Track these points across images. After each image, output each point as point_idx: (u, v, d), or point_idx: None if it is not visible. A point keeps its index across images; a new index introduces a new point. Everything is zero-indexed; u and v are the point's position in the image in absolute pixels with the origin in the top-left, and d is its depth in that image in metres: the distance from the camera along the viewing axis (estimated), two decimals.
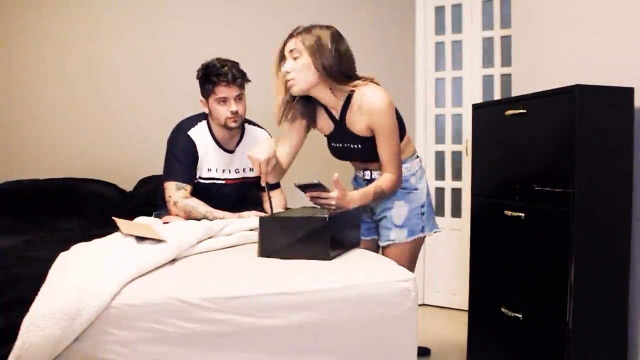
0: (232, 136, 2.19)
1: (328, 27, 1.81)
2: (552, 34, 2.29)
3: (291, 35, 1.81)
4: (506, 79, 3.04)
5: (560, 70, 2.21)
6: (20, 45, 3.03)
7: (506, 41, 3.01)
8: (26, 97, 3.05)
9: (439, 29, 3.38)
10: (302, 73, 1.76)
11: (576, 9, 2.14)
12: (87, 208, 2.72)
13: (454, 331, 2.88)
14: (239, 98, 2.10)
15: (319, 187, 1.64)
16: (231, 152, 2.19)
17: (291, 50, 1.77)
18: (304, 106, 1.91)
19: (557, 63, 2.24)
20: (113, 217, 1.76)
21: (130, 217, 1.94)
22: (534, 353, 1.85)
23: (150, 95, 3.13)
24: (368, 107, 1.77)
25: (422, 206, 1.95)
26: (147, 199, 2.58)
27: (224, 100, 2.06)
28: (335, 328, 1.30)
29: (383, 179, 1.83)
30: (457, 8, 3.30)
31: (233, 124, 2.09)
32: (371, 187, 1.82)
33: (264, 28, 3.24)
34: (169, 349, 1.21)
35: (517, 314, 1.92)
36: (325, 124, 1.94)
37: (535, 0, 2.41)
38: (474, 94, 3.22)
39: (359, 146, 1.87)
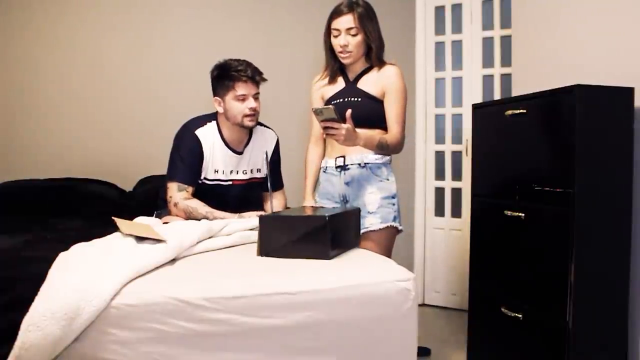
0: (242, 138, 2.15)
1: (366, 2, 2.05)
2: (552, 34, 2.29)
3: (339, 12, 2.02)
4: (506, 79, 3.04)
5: (560, 70, 2.21)
6: (20, 46, 3.03)
7: (506, 41, 3.01)
8: (26, 97, 3.05)
9: (439, 29, 3.38)
10: (357, 49, 2.03)
11: (576, 9, 2.14)
12: (87, 208, 2.72)
13: (454, 331, 2.88)
14: (256, 97, 2.08)
15: (333, 114, 1.76)
16: (240, 153, 2.16)
17: (349, 28, 2.00)
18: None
19: (557, 63, 2.24)
20: (113, 217, 1.76)
21: (130, 217, 1.93)
22: (534, 353, 1.85)
23: (150, 95, 3.13)
24: (386, 74, 2.05)
25: (393, 197, 2.05)
26: (147, 199, 2.58)
27: (242, 98, 2.04)
28: (335, 328, 1.30)
29: (388, 135, 2.02)
30: (457, 8, 3.30)
31: (250, 123, 2.07)
32: (377, 135, 1.99)
33: (263, 30, 3.25)
34: (169, 349, 1.21)
35: (517, 314, 1.92)
36: (336, 84, 2.14)
37: (535, 0, 2.41)
38: (474, 94, 3.22)
39: (359, 99, 2.05)
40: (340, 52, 2.04)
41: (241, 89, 2.03)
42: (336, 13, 2.02)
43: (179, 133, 2.13)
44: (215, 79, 2.09)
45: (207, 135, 2.10)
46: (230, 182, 2.17)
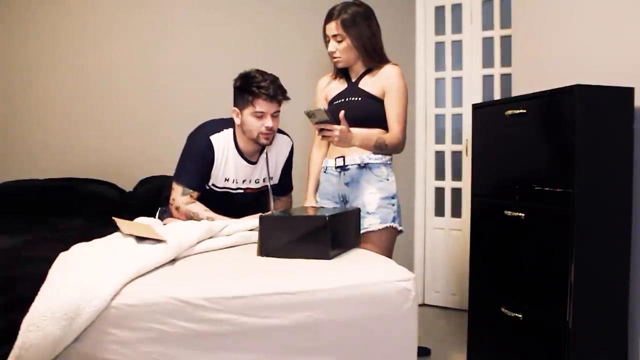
0: (257, 149, 2.12)
1: (360, 5, 2.04)
2: (552, 34, 2.29)
3: (327, 19, 2.04)
4: (506, 79, 3.04)
5: (560, 70, 2.21)
6: (21, 46, 3.03)
7: (506, 41, 3.01)
8: (26, 97, 3.05)
9: (439, 29, 3.38)
10: (345, 54, 2.05)
11: (576, 9, 2.14)
12: (87, 208, 2.72)
13: (454, 331, 2.88)
14: (275, 115, 2.03)
15: (325, 115, 1.75)
16: (254, 163, 2.13)
17: (334, 35, 2.02)
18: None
19: (557, 63, 2.24)
20: (113, 217, 1.76)
21: (130, 217, 1.94)
22: (534, 353, 1.85)
23: (151, 95, 3.13)
24: (386, 73, 2.05)
25: (393, 197, 2.04)
26: (147, 199, 2.58)
27: (260, 115, 1.99)
28: (335, 328, 1.30)
29: (388, 134, 2.02)
30: (457, 8, 3.30)
31: (265, 141, 2.04)
32: (374, 136, 1.98)
33: (264, 31, 3.24)
34: (169, 349, 1.21)
35: (517, 314, 1.92)
36: (339, 85, 2.16)
37: (535, 0, 2.41)
38: (474, 94, 3.22)
39: (359, 99, 2.06)
40: (331, 57, 2.08)
41: (260, 106, 1.98)
42: (326, 19, 2.05)
43: (193, 134, 2.09)
44: (237, 90, 2.04)
45: (222, 142, 2.05)
46: (241, 191, 2.14)
